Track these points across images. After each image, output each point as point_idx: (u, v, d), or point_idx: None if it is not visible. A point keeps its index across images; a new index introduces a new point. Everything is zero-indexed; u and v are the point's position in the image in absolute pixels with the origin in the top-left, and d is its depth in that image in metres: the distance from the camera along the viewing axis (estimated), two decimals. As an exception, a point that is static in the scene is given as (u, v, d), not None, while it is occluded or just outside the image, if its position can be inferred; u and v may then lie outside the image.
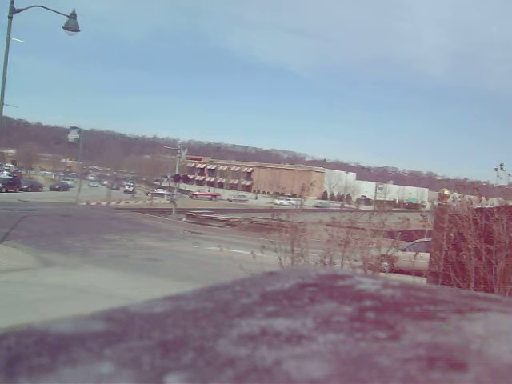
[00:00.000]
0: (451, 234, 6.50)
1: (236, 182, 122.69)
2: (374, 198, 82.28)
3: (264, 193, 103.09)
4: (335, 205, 51.80)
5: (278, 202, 39.52)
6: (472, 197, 6.78)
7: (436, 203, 8.11)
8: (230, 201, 76.87)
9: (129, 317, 0.62)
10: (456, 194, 7.30)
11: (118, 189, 74.07)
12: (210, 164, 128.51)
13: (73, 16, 17.18)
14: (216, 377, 0.47)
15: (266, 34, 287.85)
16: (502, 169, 6.53)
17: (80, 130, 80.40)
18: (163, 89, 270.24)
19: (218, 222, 32.65)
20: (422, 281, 6.49)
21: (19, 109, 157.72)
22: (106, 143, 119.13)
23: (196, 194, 76.41)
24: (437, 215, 7.08)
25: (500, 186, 6.66)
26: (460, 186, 7.62)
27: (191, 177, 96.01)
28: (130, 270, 15.04)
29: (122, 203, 49.91)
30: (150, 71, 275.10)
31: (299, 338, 0.57)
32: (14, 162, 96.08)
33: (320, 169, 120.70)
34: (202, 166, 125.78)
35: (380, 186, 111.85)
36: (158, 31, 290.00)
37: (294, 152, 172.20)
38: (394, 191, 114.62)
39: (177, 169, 44.13)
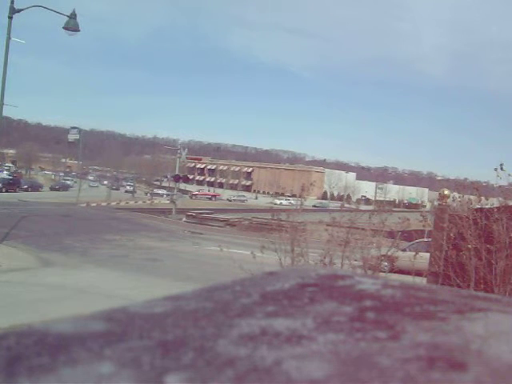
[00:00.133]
0: (451, 234, 6.50)
1: (236, 182, 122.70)
2: (374, 198, 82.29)
3: (264, 193, 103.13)
4: (335, 205, 51.82)
5: (278, 202, 39.54)
6: (472, 197, 6.79)
7: (436, 203, 8.11)
8: (230, 201, 76.86)
9: (129, 317, 0.62)
10: (456, 194, 7.30)
11: (118, 189, 74.06)
12: (210, 164, 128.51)
13: (73, 16, 17.18)
14: (216, 377, 0.47)
15: (266, 34, 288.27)
16: (501, 169, 6.53)
17: (80, 130, 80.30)
18: (163, 89, 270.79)
19: (218, 222, 32.65)
20: (421, 281, 6.49)
21: (19, 109, 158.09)
22: (106, 143, 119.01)
23: (195, 194, 76.41)
24: (437, 215, 7.08)
25: (500, 186, 6.66)
26: (460, 185, 7.62)
27: (191, 177, 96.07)
28: (129, 270, 15.04)
29: (122, 203, 49.89)
30: (150, 71, 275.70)
31: (299, 338, 0.57)
32: (14, 162, 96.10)
33: (320, 169, 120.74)
34: (202, 166, 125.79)
35: (380, 186, 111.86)
36: (157, 31, 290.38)
37: (294, 152, 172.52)
38: (394, 191, 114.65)
39: (177, 169, 44.13)
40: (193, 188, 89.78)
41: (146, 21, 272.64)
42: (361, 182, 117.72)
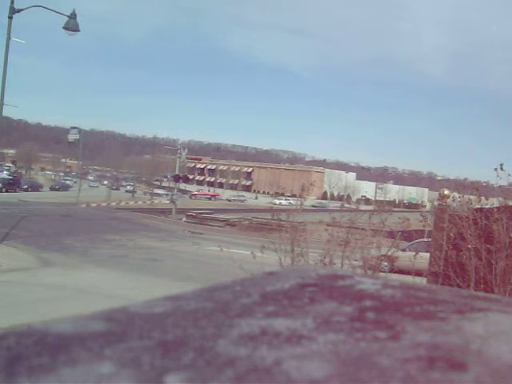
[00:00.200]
0: (451, 234, 6.49)
1: (236, 182, 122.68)
2: (374, 198, 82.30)
3: (264, 193, 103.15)
4: (335, 205, 51.80)
5: (278, 202, 39.53)
6: (472, 197, 6.78)
7: (436, 203, 8.10)
8: (229, 201, 76.85)
9: (129, 317, 0.62)
10: (456, 194, 7.30)
11: (118, 189, 74.06)
12: (210, 164, 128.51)
13: (73, 16, 17.18)
14: (216, 377, 0.47)
15: (266, 34, 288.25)
16: (501, 169, 6.53)
17: (80, 130, 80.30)
18: (163, 89, 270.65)
19: (218, 222, 32.65)
20: (421, 281, 6.49)
21: (19, 109, 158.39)
22: (106, 143, 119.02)
23: (195, 194, 76.44)
24: (437, 215, 7.08)
25: (500, 186, 6.66)
26: (460, 186, 7.61)
27: (191, 177, 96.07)
28: (129, 270, 15.05)
29: (122, 203, 49.89)
30: (150, 71, 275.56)
31: (299, 338, 0.57)
32: (14, 162, 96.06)
33: (320, 169, 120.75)
34: (202, 166, 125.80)
35: (380, 185, 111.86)
36: (157, 31, 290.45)
37: (294, 152, 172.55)
38: (394, 191, 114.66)
39: (177, 169, 44.14)
40: (193, 188, 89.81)
41: (145, 21, 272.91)
42: (361, 181, 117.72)
